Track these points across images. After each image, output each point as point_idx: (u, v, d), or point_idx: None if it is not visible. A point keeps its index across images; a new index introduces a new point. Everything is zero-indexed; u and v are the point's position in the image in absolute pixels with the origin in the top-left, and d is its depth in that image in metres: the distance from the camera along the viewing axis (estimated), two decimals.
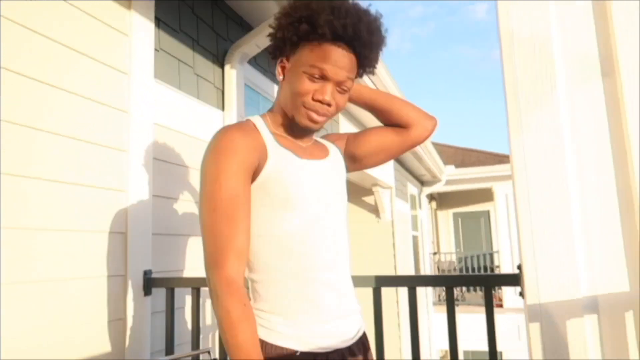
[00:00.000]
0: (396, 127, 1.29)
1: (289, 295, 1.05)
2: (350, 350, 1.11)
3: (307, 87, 1.09)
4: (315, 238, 1.09)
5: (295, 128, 1.16)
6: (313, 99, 1.09)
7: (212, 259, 1.00)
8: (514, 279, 1.46)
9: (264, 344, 1.02)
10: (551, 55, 1.13)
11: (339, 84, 1.10)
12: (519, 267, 1.28)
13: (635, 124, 1.04)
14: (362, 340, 1.16)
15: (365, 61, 1.13)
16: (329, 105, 1.10)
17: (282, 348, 1.02)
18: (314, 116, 1.11)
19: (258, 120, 1.16)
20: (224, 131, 1.08)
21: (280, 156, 1.10)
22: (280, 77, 1.16)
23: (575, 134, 1.12)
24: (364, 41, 1.09)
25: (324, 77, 1.08)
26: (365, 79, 4.38)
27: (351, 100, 1.33)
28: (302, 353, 1.02)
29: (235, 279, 0.99)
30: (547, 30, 1.13)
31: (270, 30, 1.17)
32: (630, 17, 1.06)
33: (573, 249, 1.10)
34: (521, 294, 1.34)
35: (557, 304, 1.11)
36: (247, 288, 1.09)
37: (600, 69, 1.11)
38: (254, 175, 1.07)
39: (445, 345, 8.77)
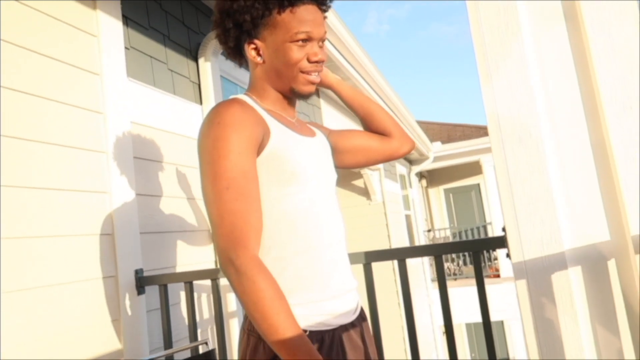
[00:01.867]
0: (379, 135, 1.34)
1: (296, 272, 1.04)
2: (352, 324, 1.12)
3: (300, 54, 1.10)
4: (318, 214, 1.09)
5: (283, 102, 1.16)
6: (310, 62, 1.11)
7: (233, 239, 0.95)
8: (500, 241, 1.47)
9: None
10: (514, 6, 1.14)
11: (320, 39, 1.13)
12: (504, 229, 1.30)
13: (602, 71, 1.05)
14: (361, 313, 1.19)
15: (325, 7, 1.17)
16: (322, 62, 1.13)
17: None
18: (313, 78, 1.13)
19: (246, 98, 1.13)
20: (225, 106, 1.04)
21: (281, 131, 1.09)
22: (259, 60, 1.13)
23: (544, 85, 1.13)
24: None
25: (309, 38, 1.10)
26: (350, 69, 4.36)
27: (327, 86, 1.38)
28: (311, 332, 1.02)
29: (260, 258, 0.97)
30: None
31: (226, 22, 1.13)
32: None
33: (552, 203, 1.12)
34: (508, 255, 1.36)
35: (541, 260, 1.13)
36: None
37: (563, 13, 1.11)
38: (258, 151, 1.04)
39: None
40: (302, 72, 1.10)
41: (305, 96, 1.15)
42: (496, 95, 1.16)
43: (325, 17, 1.18)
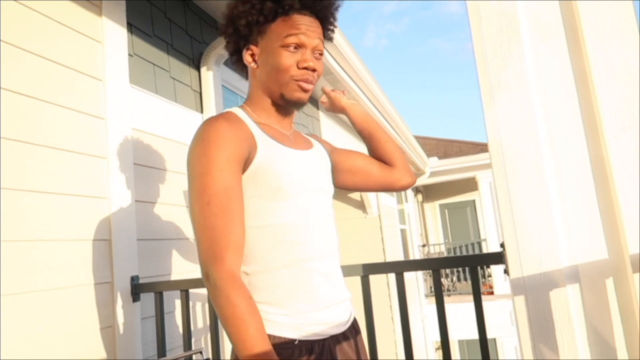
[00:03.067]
0: (382, 163, 1.34)
1: (285, 284, 1.05)
2: (344, 335, 1.12)
3: (290, 60, 1.11)
4: (307, 228, 1.09)
5: (278, 113, 1.17)
6: (299, 68, 1.11)
7: (211, 254, 0.98)
8: (498, 257, 1.48)
9: None
10: (517, 22, 1.16)
11: (314, 49, 1.13)
12: (502, 245, 1.30)
13: (602, 90, 1.07)
14: (354, 325, 1.18)
15: (327, 23, 1.18)
16: (314, 70, 1.12)
17: (280, 337, 1.02)
18: (305, 85, 1.12)
19: (239, 111, 1.14)
20: (211, 122, 1.06)
21: (269, 146, 1.09)
22: (254, 65, 1.16)
23: (545, 102, 1.14)
24: (325, 4, 1.15)
25: (300, 46, 1.11)
26: (349, 82, 4.39)
27: (339, 110, 1.39)
28: (300, 341, 1.03)
29: (236, 273, 0.98)
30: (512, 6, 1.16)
31: (228, 28, 1.17)
32: None
33: (552, 220, 1.13)
34: (506, 271, 1.37)
35: (540, 276, 1.13)
36: None
37: (564, 33, 1.13)
38: (244, 166, 1.05)
39: (439, 336, 8.85)
40: (294, 79, 1.11)
41: (296, 103, 1.15)
42: (497, 111, 1.17)
43: (328, 32, 1.20)
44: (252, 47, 1.15)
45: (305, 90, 1.13)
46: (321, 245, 1.11)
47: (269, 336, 1.01)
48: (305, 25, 1.11)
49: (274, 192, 1.06)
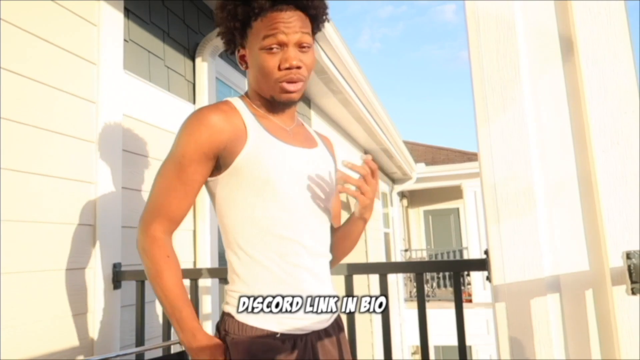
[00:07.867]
0: (337, 236, 1.27)
1: (270, 278, 1.05)
2: (326, 332, 1.12)
3: (271, 62, 1.07)
4: (297, 224, 1.08)
5: (275, 108, 1.16)
6: (280, 70, 1.07)
7: (143, 221, 1.08)
8: (481, 264, 1.50)
9: (244, 326, 1.02)
10: (515, 39, 1.17)
11: (298, 44, 1.08)
12: (486, 252, 1.32)
13: (593, 105, 1.09)
14: (337, 321, 1.18)
15: (314, 12, 1.12)
16: (298, 67, 1.08)
17: (262, 330, 1.02)
18: (288, 86, 1.08)
19: (237, 101, 1.14)
20: (198, 110, 1.09)
21: (260, 139, 1.08)
22: (244, 67, 1.17)
23: (538, 120, 1.16)
24: None
25: (281, 44, 1.07)
26: (342, 82, 4.38)
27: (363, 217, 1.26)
28: (282, 335, 1.03)
29: (160, 237, 1.07)
30: (510, 13, 1.18)
31: (220, 29, 1.18)
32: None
33: (537, 231, 1.15)
34: (488, 278, 1.39)
35: (522, 284, 1.15)
36: (227, 270, 1.11)
37: (560, 51, 1.15)
38: (232, 158, 1.05)
39: (417, 341, 8.93)
40: (278, 81, 1.08)
41: (285, 104, 1.13)
42: (491, 123, 1.19)
43: (309, 18, 1.12)
44: (241, 49, 1.16)
45: (289, 92, 1.09)
46: (310, 244, 1.10)
47: (251, 327, 1.02)
48: (283, 23, 1.06)
49: (260, 185, 1.05)
